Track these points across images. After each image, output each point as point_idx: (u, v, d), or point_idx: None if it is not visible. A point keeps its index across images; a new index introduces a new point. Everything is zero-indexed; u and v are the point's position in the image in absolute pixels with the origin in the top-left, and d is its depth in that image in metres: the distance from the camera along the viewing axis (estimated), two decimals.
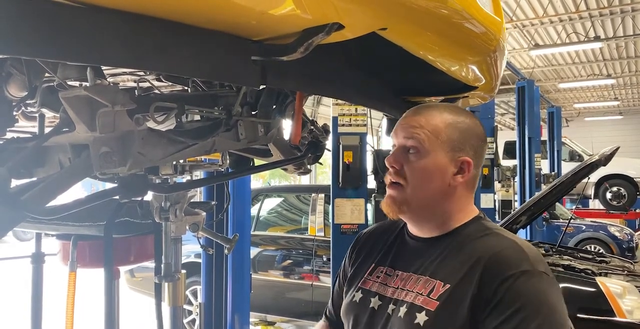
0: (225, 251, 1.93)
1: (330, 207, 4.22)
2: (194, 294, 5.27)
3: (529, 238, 8.30)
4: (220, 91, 1.81)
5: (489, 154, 7.60)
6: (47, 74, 1.53)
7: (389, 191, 1.23)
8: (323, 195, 5.34)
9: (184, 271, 1.71)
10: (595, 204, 15.46)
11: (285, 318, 5.32)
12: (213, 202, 2.13)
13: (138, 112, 1.45)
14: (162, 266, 1.62)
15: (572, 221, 10.01)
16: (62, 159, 1.48)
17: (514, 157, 10.60)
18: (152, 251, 1.85)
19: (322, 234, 5.19)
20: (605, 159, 4.51)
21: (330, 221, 4.34)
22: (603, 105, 20.67)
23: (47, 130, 1.49)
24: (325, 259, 5.05)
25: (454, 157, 1.21)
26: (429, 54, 1.30)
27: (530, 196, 9.80)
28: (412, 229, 1.29)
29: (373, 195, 4.00)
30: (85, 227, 1.67)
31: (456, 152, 1.21)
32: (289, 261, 5.34)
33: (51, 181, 1.24)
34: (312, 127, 2.29)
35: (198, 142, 1.53)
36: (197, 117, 1.87)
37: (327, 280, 5.00)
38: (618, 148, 4.79)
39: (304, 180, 15.06)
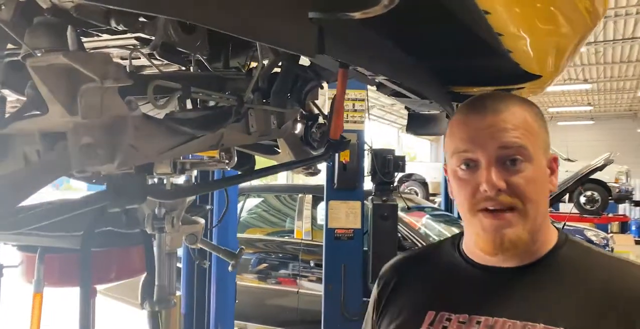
0: (230, 268, 1.62)
1: (324, 209, 3.92)
2: None
3: None
4: (226, 73, 1.49)
5: None
6: (10, 45, 1.21)
7: (498, 223, 0.92)
8: (311, 196, 5.03)
9: (179, 293, 1.38)
10: (567, 208, 15.57)
11: (268, 327, 5.00)
12: (208, 207, 1.81)
13: (130, 93, 1.13)
14: (155, 288, 1.29)
15: None
16: (29, 152, 1.15)
17: None
18: (138, 266, 1.52)
19: (309, 237, 4.89)
20: (604, 165, 4.37)
21: (323, 224, 4.04)
22: (575, 110, 20.89)
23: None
24: (312, 264, 4.74)
25: (547, 157, 0.99)
26: (517, 23, 1.02)
27: None
28: (485, 258, 0.99)
29: (370, 198, 3.72)
30: (57, 239, 1.33)
31: (547, 150, 1.00)
32: (273, 266, 5.01)
33: (11, 181, 0.91)
34: (324, 120, 1.99)
35: (205, 133, 1.22)
36: (188, 105, 1.55)
37: (314, 287, 4.70)
38: (613, 154, 4.67)
39: (281, 179, 14.70)
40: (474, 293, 0.98)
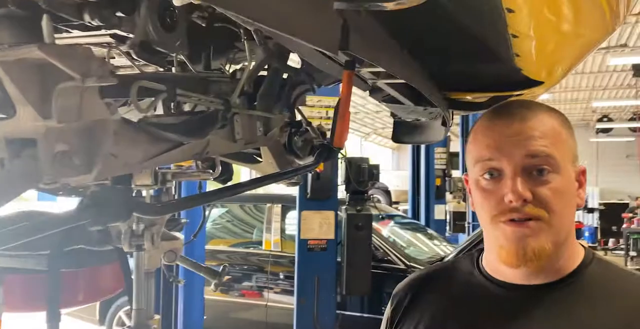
0: (212, 288, 1.49)
1: (296, 219, 3.80)
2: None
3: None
4: (210, 75, 1.38)
5: (441, 164, 7.46)
6: None
7: (521, 231, 0.87)
8: (280, 205, 4.90)
9: (157, 317, 1.26)
10: None
11: None
12: (184, 220, 1.67)
13: (110, 95, 1.01)
14: (132, 313, 1.16)
15: None
16: None
17: (455, 168, 10.60)
18: (109, 286, 1.38)
19: (279, 249, 4.75)
20: None
21: (292, 235, 3.91)
22: None
23: None
24: (282, 276, 4.60)
25: (575, 168, 0.94)
26: (538, 23, 0.95)
27: (469, 206, 9.78)
28: (508, 274, 0.93)
29: (344, 207, 3.62)
30: (19, 259, 1.18)
31: (576, 160, 0.95)
32: (240, 279, 4.84)
33: None
34: (307, 127, 1.89)
35: (191, 140, 1.10)
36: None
37: (283, 299, 4.56)
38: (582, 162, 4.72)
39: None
40: (496, 312, 0.92)
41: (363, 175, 3.57)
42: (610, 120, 16.66)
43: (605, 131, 17.17)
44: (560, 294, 0.88)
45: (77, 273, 1.28)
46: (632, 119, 14.74)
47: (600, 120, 16.88)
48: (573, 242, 0.93)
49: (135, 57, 1.31)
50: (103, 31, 1.18)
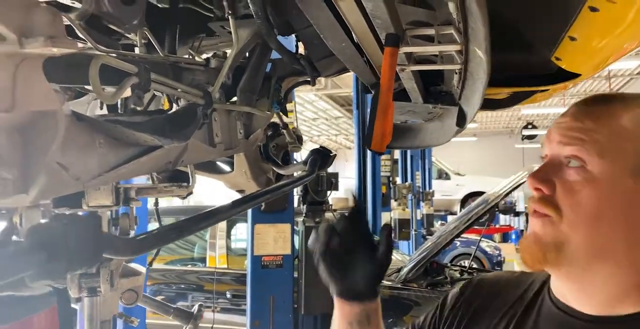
0: None
1: (248, 234, 3.47)
2: None
3: (410, 253, 8.13)
4: (180, 61, 1.08)
5: (386, 171, 7.35)
6: None
7: (532, 222, 0.79)
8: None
9: None
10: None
11: None
12: None
13: (57, 78, 0.72)
14: None
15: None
16: None
17: (396, 175, 10.61)
18: None
19: (225, 265, 4.39)
20: None
21: (237, 250, 3.58)
22: None
23: None
24: (229, 296, 4.24)
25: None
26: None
27: (413, 213, 9.80)
28: (567, 296, 0.81)
29: (302, 219, 3.34)
30: None
31: None
32: (181, 298, 4.44)
33: None
34: (283, 130, 1.62)
35: (173, 143, 0.80)
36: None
37: (231, 319, 4.20)
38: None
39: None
40: None
41: (321, 184, 3.32)
42: (534, 127, 17.41)
43: (531, 137, 17.95)
44: None
45: None
46: None
47: (525, 127, 17.60)
48: None
49: (81, 35, 0.99)
50: None
